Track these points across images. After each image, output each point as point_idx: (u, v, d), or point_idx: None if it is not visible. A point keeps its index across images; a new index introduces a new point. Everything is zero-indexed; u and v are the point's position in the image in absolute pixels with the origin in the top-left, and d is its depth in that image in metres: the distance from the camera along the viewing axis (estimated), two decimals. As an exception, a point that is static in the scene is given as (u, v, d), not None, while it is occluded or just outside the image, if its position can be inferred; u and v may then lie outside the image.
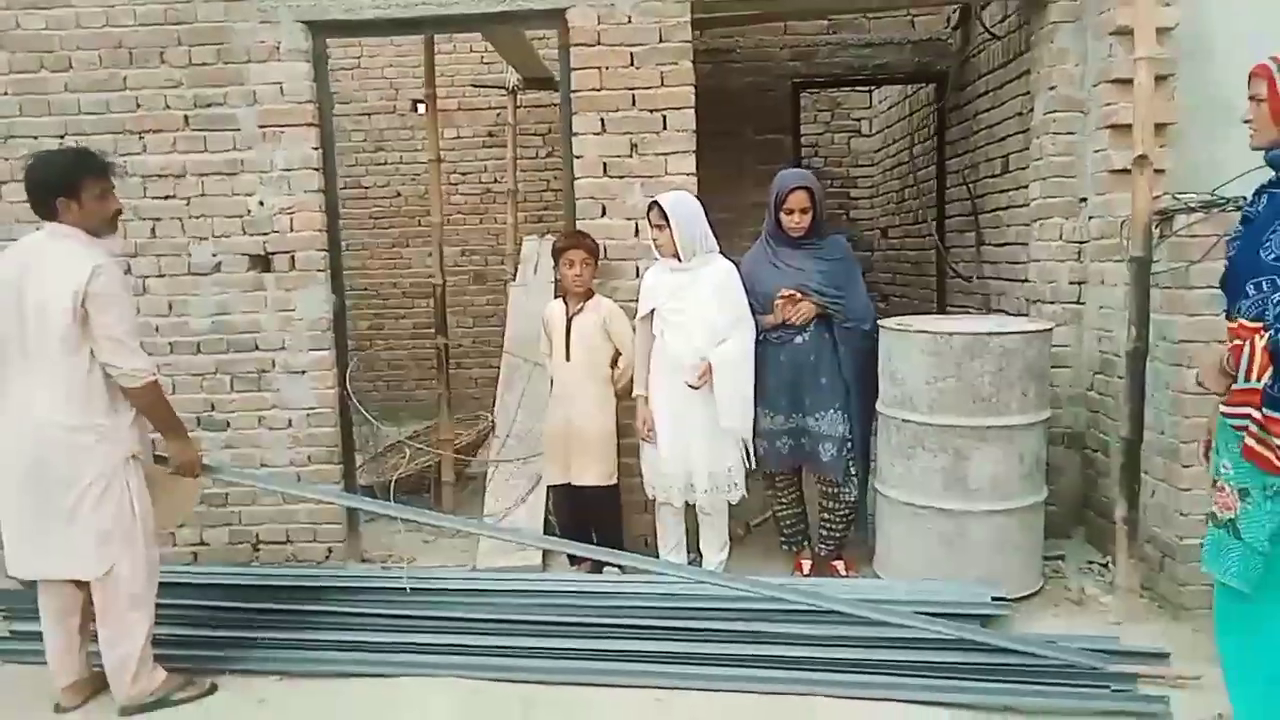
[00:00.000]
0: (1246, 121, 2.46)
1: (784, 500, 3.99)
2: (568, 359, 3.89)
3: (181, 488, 3.26)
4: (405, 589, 3.64)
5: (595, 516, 3.99)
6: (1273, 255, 2.28)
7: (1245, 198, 3.03)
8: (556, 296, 4.16)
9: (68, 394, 2.82)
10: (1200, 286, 3.22)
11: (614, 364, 3.94)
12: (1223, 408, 2.37)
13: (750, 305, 3.78)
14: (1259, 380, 2.26)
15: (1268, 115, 2.37)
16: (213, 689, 3.19)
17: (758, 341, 3.78)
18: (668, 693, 3.08)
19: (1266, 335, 2.25)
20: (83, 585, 2.99)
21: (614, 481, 3.94)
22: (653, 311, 3.78)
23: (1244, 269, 2.37)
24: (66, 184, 2.85)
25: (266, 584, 3.73)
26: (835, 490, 3.84)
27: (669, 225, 3.68)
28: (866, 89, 7.04)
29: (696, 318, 3.68)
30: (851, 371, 3.80)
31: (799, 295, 3.71)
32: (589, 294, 3.93)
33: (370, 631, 3.46)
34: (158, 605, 3.14)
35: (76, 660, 3.08)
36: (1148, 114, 3.15)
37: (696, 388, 3.65)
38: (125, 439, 2.92)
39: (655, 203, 3.73)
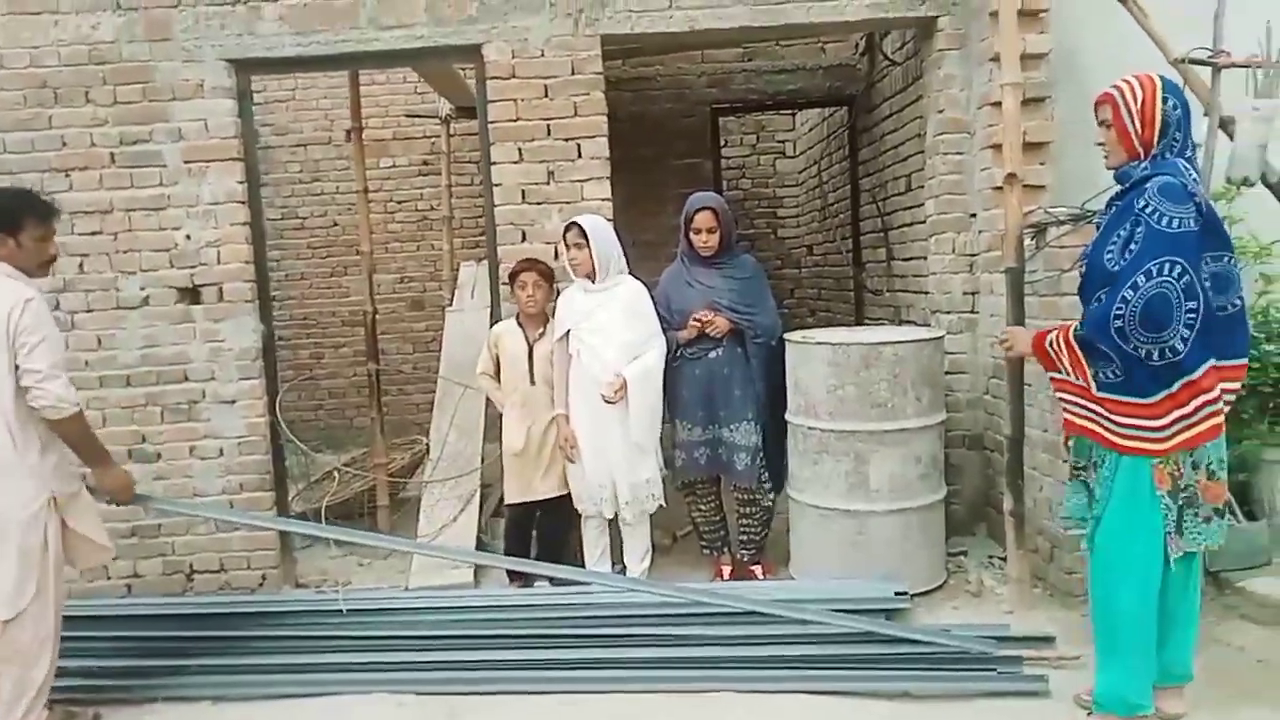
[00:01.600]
0: (1099, 144, 2.71)
1: (703, 508, 4.17)
2: (532, 382, 4.02)
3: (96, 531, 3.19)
4: (341, 610, 3.74)
5: (545, 526, 4.11)
6: (1114, 263, 2.51)
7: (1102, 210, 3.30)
8: (501, 320, 4.25)
9: (4, 428, 2.85)
10: (1071, 293, 3.42)
11: None
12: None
13: (666, 321, 3.99)
14: (1076, 377, 2.63)
15: (1115, 139, 2.62)
16: (96, 718, 3.23)
17: (674, 357, 3.99)
18: (583, 696, 3.22)
19: (1070, 328, 2.61)
20: None
21: (569, 491, 4.07)
22: (568, 332, 3.95)
23: (1093, 274, 2.63)
24: (7, 222, 2.92)
25: (200, 612, 3.79)
26: (750, 497, 4.03)
27: (588, 245, 3.87)
28: (790, 112, 7.31)
29: (611, 337, 3.86)
30: (764, 383, 4.00)
31: (712, 313, 3.90)
32: (546, 318, 4.07)
33: (305, 654, 3.54)
34: (91, 638, 3.19)
35: None
36: (1016, 136, 3.40)
37: (612, 402, 3.82)
38: (49, 479, 2.94)
39: (574, 223, 3.91)
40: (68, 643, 3.54)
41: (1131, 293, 2.41)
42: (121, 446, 4.21)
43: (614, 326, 3.86)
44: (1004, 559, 3.86)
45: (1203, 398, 2.51)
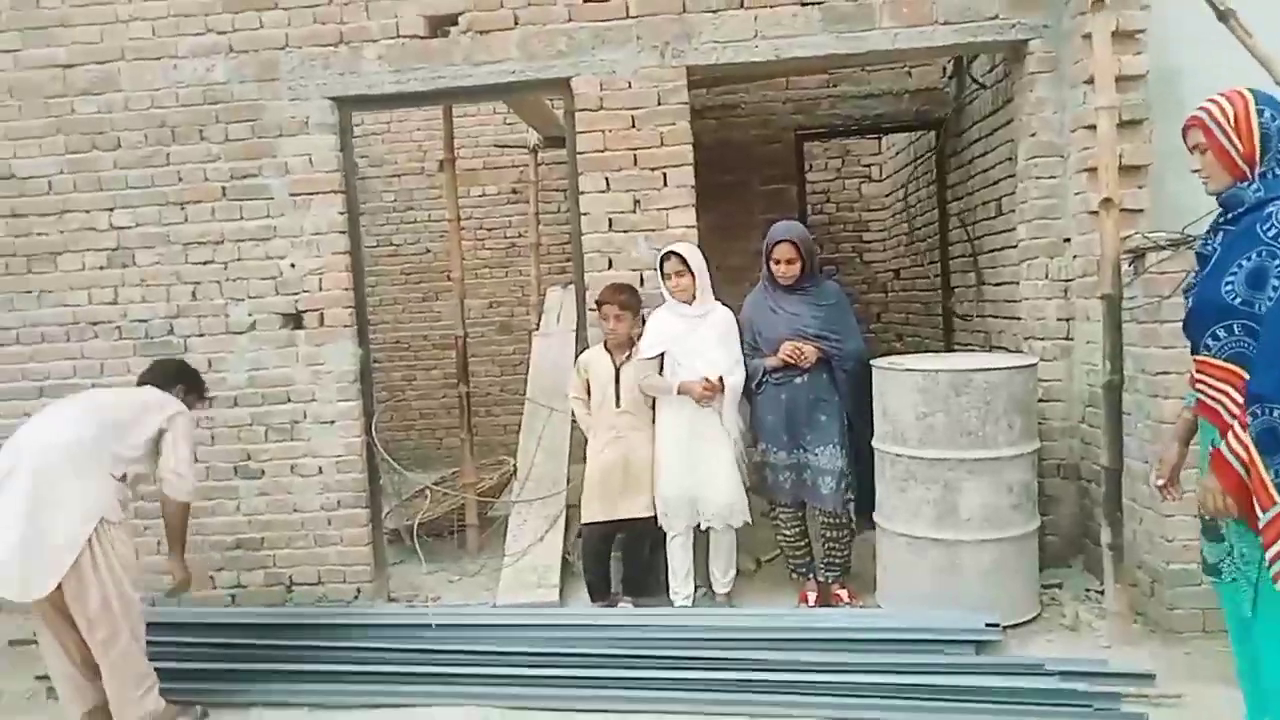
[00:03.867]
0: (1195, 171, 2.51)
1: (787, 533, 4.17)
2: (618, 405, 4.11)
3: None
4: (431, 625, 3.87)
5: (631, 546, 4.17)
6: (1237, 297, 2.29)
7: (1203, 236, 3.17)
8: (585, 346, 4.39)
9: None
10: (1172, 320, 3.35)
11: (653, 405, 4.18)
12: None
13: (751, 347, 4.08)
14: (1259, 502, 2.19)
15: (1214, 163, 2.43)
16: (204, 715, 3.46)
17: (759, 382, 4.06)
18: (665, 716, 3.24)
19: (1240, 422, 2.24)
20: None
21: (655, 512, 4.13)
22: (661, 355, 4.05)
23: (1208, 308, 2.38)
24: (193, 385, 3.72)
25: (299, 623, 3.98)
26: (835, 520, 4.03)
27: (690, 271, 4.01)
28: (875, 136, 7.26)
29: (705, 358, 3.97)
30: (851, 406, 4.01)
31: (802, 343, 3.95)
32: (630, 342, 4.16)
33: (397, 665, 3.66)
34: (200, 644, 3.39)
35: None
36: (1111, 159, 3.33)
37: (708, 396, 3.93)
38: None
39: (673, 252, 4.04)
40: (180, 648, 3.77)
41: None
42: (228, 464, 4.44)
43: (706, 349, 3.99)
44: (1101, 592, 3.75)
45: None
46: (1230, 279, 2.30)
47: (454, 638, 3.78)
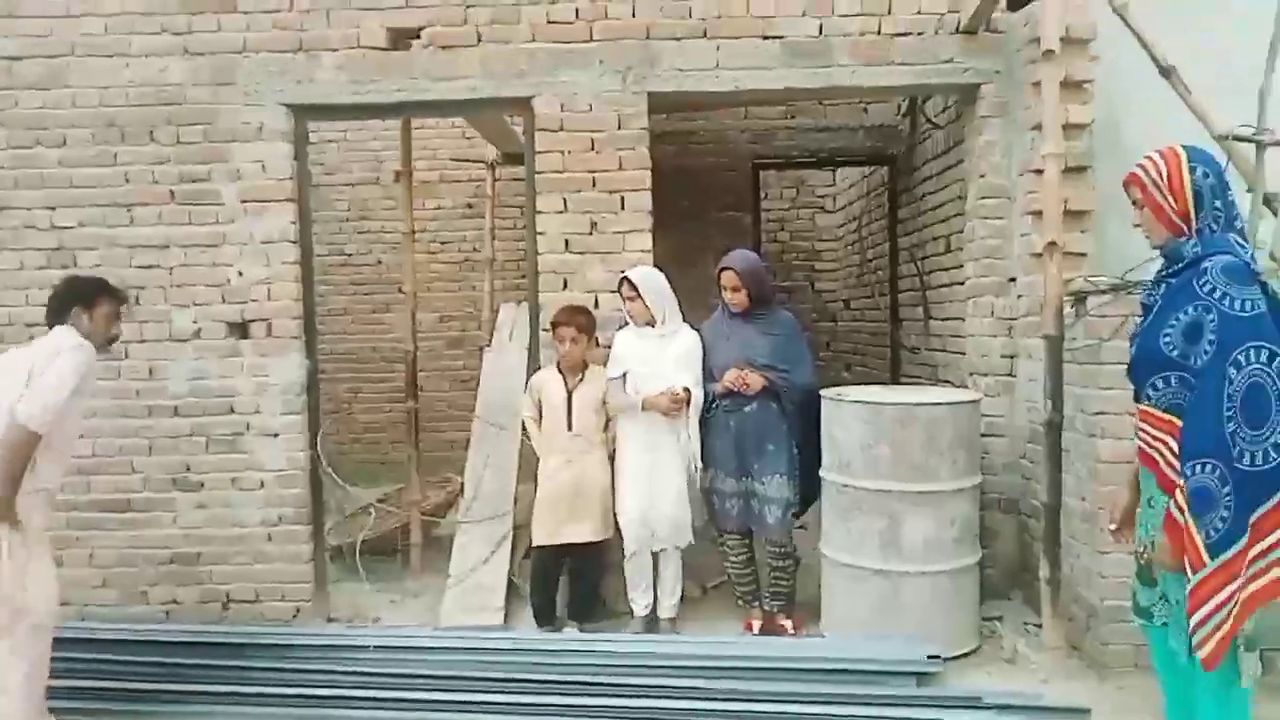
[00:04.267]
0: (1137, 226, 2.57)
1: (734, 560, 4.19)
2: (570, 428, 4.10)
3: None
4: (369, 647, 3.80)
5: (578, 571, 4.16)
6: (1175, 350, 2.33)
7: (1146, 283, 3.27)
8: (537, 364, 4.35)
9: None
10: (1111, 362, 3.47)
11: (605, 427, 4.19)
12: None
13: (706, 372, 4.10)
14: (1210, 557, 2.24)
15: (1152, 218, 2.48)
16: None
17: (709, 408, 4.08)
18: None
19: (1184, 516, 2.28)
20: None
21: (606, 536, 4.13)
22: (624, 374, 4.05)
23: (1148, 358, 2.43)
24: (85, 296, 3.24)
25: (235, 641, 3.87)
26: (781, 550, 4.05)
27: (639, 296, 4.03)
28: (830, 168, 7.39)
29: (667, 379, 3.99)
30: (799, 437, 4.04)
31: (748, 370, 3.97)
32: (584, 365, 4.15)
33: (334, 688, 3.57)
34: (131, 661, 3.24)
35: None
36: (1056, 204, 3.44)
37: (678, 408, 3.95)
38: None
39: (625, 277, 4.05)
40: (107, 665, 3.65)
41: (1228, 386, 2.20)
42: (166, 476, 4.32)
43: (667, 370, 4.01)
44: (1040, 626, 3.82)
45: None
46: (1169, 331, 2.36)
47: (394, 660, 3.71)
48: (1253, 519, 2.24)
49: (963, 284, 4.55)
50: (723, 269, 4.08)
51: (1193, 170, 2.40)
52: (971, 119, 4.39)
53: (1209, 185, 2.40)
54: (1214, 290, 2.26)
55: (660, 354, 4.04)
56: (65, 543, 4.35)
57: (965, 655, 3.78)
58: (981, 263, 4.35)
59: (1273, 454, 2.20)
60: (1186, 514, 2.27)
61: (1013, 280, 4.27)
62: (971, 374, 4.45)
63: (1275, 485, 2.23)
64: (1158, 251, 2.56)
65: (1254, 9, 3.66)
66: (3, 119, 4.33)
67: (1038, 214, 3.91)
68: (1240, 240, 2.39)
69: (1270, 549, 2.27)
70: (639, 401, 3.99)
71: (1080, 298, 3.60)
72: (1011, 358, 4.29)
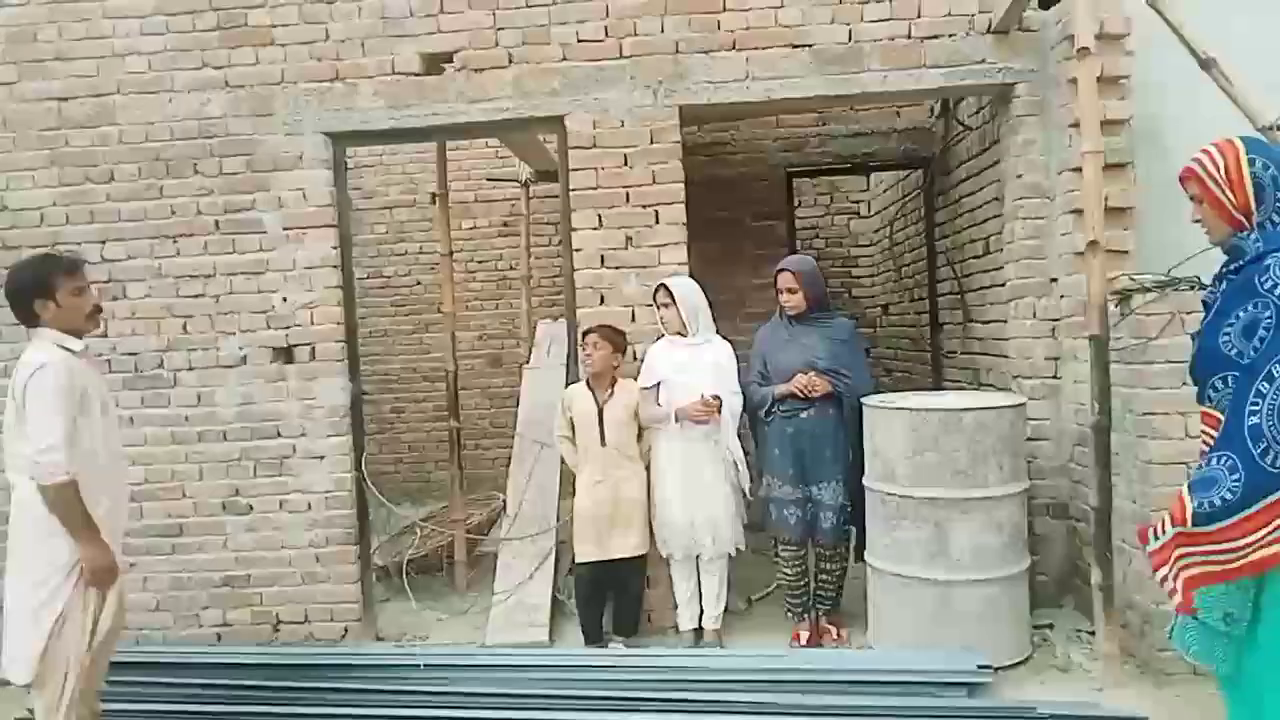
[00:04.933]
0: (1196, 222, 2.49)
1: (789, 571, 4.18)
2: (603, 444, 4.10)
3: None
4: (419, 665, 3.83)
5: (621, 585, 4.17)
6: (1234, 349, 2.27)
7: (1198, 278, 3.20)
8: (576, 380, 4.36)
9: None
10: (1159, 361, 3.41)
11: (639, 439, 4.19)
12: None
13: (763, 375, 4.15)
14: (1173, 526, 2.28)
15: (1211, 214, 2.40)
16: None
17: (768, 413, 4.11)
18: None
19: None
20: None
21: (646, 550, 4.13)
22: (658, 384, 4.06)
23: (1209, 358, 2.36)
24: (40, 287, 2.90)
25: (286, 663, 3.92)
26: (832, 553, 4.08)
27: (674, 303, 4.06)
28: (863, 174, 7.34)
29: (700, 390, 3.99)
30: (855, 442, 4.04)
31: (813, 374, 3.99)
32: (614, 380, 4.16)
33: (384, 707, 3.60)
34: (185, 684, 3.27)
35: None
36: (1096, 202, 3.38)
37: (704, 420, 3.95)
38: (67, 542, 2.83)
39: (662, 284, 4.09)
40: (162, 689, 3.72)
41: (1268, 385, 2.16)
42: (216, 500, 4.41)
43: (703, 380, 4.00)
44: (1092, 633, 3.75)
45: None
46: (1228, 330, 2.29)
47: (443, 679, 3.74)
48: (1257, 508, 2.17)
49: (1003, 285, 4.48)
50: (780, 270, 4.14)
51: (1252, 163, 2.33)
52: (1007, 118, 4.34)
53: (1270, 176, 2.32)
54: (1275, 287, 2.20)
55: (694, 364, 4.04)
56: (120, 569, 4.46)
57: (1017, 665, 3.72)
58: (1022, 263, 4.29)
59: None
60: (1185, 493, 2.27)
61: (1054, 280, 4.21)
62: (1015, 377, 4.38)
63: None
64: (1218, 248, 2.47)
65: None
66: (53, 158, 4.47)
67: (1078, 212, 3.86)
68: None
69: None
70: (671, 412, 3.99)
71: (1125, 296, 3.54)
72: (1056, 359, 4.23)
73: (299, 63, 4.40)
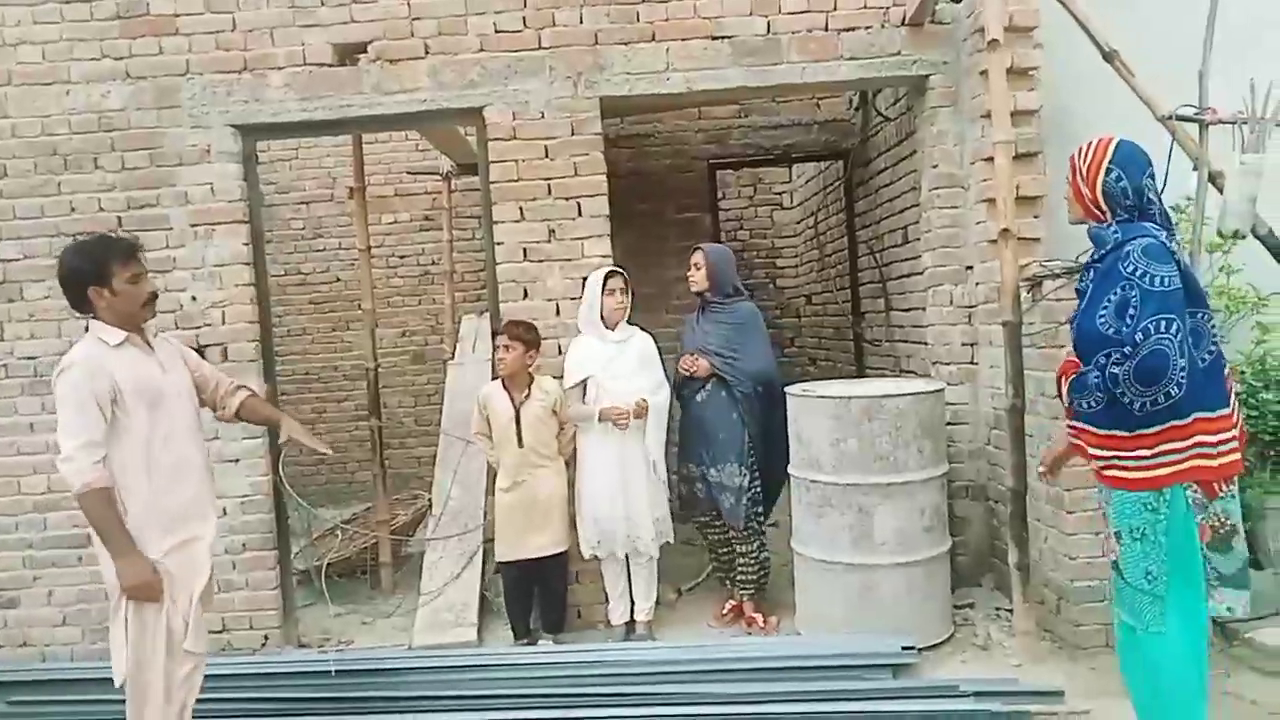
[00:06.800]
0: (1066, 199, 2.79)
1: (712, 539, 4.34)
2: (520, 444, 4.03)
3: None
4: (330, 671, 3.72)
5: (544, 583, 4.12)
6: (1110, 328, 2.52)
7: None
8: (494, 378, 4.27)
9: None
10: (1069, 345, 3.50)
11: (557, 435, 4.13)
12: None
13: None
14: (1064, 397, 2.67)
15: (1072, 196, 2.73)
16: None
17: (676, 397, 4.22)
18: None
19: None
20: None
21: (566, 547, 4.09)
22: (584, 380, 4.04)
23: (1088, 339, 2.61)
24: (96, 275, 2.75)
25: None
26: (740, 536, 4.15)
27: (626, 290, 4.12)
28: (785, 165, 7.42)
29: (629, 382, 4.01)
30: (754, 429, 4.09)
31: (697, 355, 4.13)
32: (530, 379, 4.10)
33: (299, 717, 3.52)
34: (93, 701, 3.13)
35: None
36: (1008, 190, 3.47)
37: (625, 423, 3.95)
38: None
39: (617, 271, 4.13)
40: (66, 706, 3.55)
41: (1130, 348, 2.44)
42: (125, 507, 4.22)
43: (631, 374, 4.04)
44: (1011, 611, 3.85)
45: (1176, 444, 2.51)
46: (1103, 311, 2.55)
47: (361, 684, 3.65)
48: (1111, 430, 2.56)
49: (921, 274, 4.57)
50: (694, 249, 4.28)
51: (1109, 171, 2.60)
52: (922, 110, 4.42)
53: (1121, 189, 2.59)
54: (1135, 270, 2.46)
55: (620, 358, 4.05)
56: (22, 582, 4.26)
57: (940, 644, 3.80)
58: (939, 252, 4.38)
59: (1149, 406, 2.45)
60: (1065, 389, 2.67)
61: (970, 268, 4.31)
62: (934, 363, 4.47)
63: (1142, 423, 2.50)
64: (1087, 233, 2.72)
65: (1191, -9, 3.72)
66: (-59, 152, 4.23)
67: (991, 201, 3.94)
68: (1158, 226, 2.57)
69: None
70: (596, 412, 3.97)
71: (1036, 282, 3.64)
72: (972, 345, 4.33)
73: (204, 52, 4.24)
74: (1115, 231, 2.58)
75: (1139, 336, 2.42)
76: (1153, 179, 2.64)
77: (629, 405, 3.94)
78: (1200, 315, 2.56)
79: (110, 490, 2.67)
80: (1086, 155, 2.65)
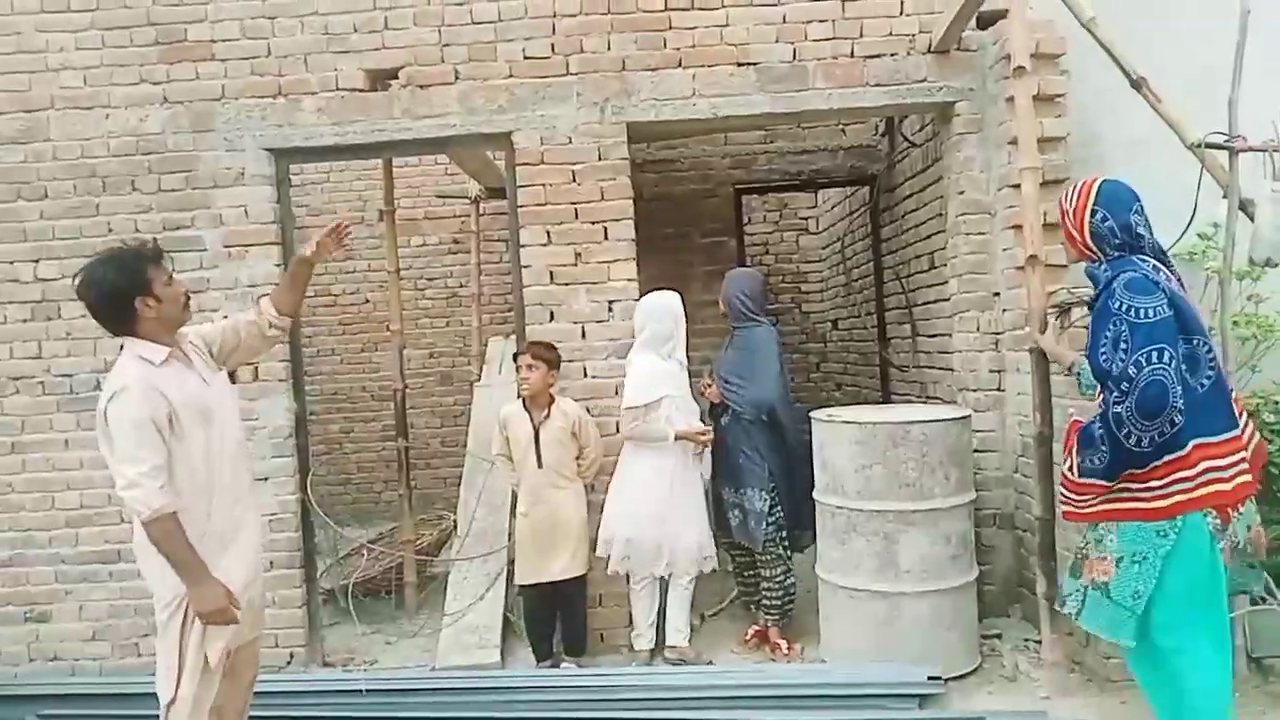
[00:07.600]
0: (1062, 243, 2.88)
1: (738, 560, 4.38)
2: (539, 465, 4.03)
3: None
4: (361, 690, 3.74)
5: (566, 606, 4.12)
6: (1110, 363, 2.58)
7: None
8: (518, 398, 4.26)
9: None
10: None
11: (578, 457, 4.12)
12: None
13: None
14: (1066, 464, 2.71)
15: (1066, 241, 2.82)
16: None
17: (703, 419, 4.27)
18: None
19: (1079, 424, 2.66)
20: None
21: (586, 570, 4.08)
22: (660, 399, 4.00)
23: (1097, 376, 2.67)
24: (140, 285, 2.68)
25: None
26: (765, 559, 4.14)
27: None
28: (811, 190, 7.43)
29: (688, 403, 4.12)
30: (773, 458, 4.10)
31: (714, 381, 4.25)
32: (550, 399, 4.11)
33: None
34: (122, 717, 3.16)
35: None
36: (1035, 217, 3.44)
37: (707, 444, 4.12)
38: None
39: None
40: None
41: (1128, 384, 2.49)
42: (155, 524, 4.27)
43: (688, 396, 4.14)
44: (1039, 642, 3.79)
45: (1185, 472, 2.54)
46: (1103, 347, 2.61)
47: (389, 704, 3.67)
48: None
49: (948, 300, 4.55)
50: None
51: (1094, 213, 2.70)
52: (948, 136, 4.42)
53: (1108, 228, 2.69)
54: (1120, 305, 2.55)
55: (683, 380, 4.13)
56: (54, 596, 4.32)
57: (966, 675, 3.75)
58: (965, 278, 4.36)
59: (1156, 439, 2.50)
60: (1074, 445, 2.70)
61: (997, 294, 4.29)
62: (961, 389, 4.44)
63: (1146, 460, 2.55)
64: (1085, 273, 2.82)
65: (1220, 16, 3.70)
66: (-18, 173, 4.34)
67: (1018, 228, 3.92)
68: (1145, 258, 2.65)
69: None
70: (671, 433, 3.99)
71: (1064, 309, 3.60)
72: (999, 372, 4.30)
73: (239, 78, 4.33)
74: (1106, 269, 2.66)
75: (1132, 370, 2.48)
76: (1140, 213, 2.70)
77: (699, 426, 4.07)
78: (1196, 342, 2.60)
79: (177, 515, 2.61)
80: (1072, 199, 2.75)
